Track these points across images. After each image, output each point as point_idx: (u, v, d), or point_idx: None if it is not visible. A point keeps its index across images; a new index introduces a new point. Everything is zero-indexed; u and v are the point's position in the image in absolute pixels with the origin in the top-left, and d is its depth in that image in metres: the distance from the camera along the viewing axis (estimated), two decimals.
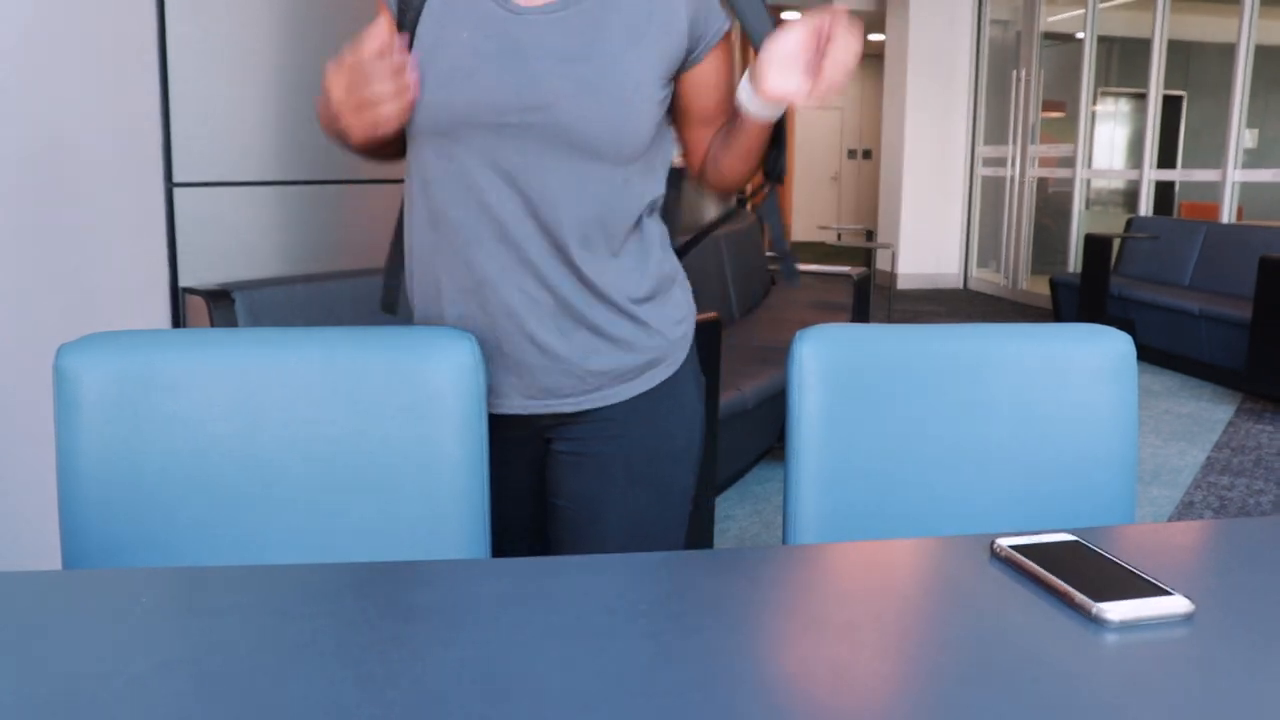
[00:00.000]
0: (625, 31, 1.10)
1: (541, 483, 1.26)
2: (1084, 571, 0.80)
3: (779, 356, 1.42)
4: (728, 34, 1.17)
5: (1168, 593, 0.76)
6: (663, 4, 1.12)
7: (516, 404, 1.17)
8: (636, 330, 1.17)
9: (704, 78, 1.18)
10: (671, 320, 1.21)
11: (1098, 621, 0.74)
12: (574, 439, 1.21)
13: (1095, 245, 6.08)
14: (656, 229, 1.22)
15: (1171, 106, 8.05)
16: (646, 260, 1.18)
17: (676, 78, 1.16)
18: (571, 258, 1.12)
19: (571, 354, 1.14)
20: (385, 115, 1.03)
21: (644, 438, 1.20)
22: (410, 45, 1.10)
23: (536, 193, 1.10)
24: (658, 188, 1.19)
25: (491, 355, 1.14)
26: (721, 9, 1.16)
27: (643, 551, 1.13)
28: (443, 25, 1.10)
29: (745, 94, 1.11)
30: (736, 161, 1.20)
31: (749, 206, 1.11)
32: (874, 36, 11.60)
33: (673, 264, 1.24)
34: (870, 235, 10.67)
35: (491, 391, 1.15)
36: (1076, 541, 0.87)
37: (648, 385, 1.19)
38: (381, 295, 1.29)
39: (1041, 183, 8.72)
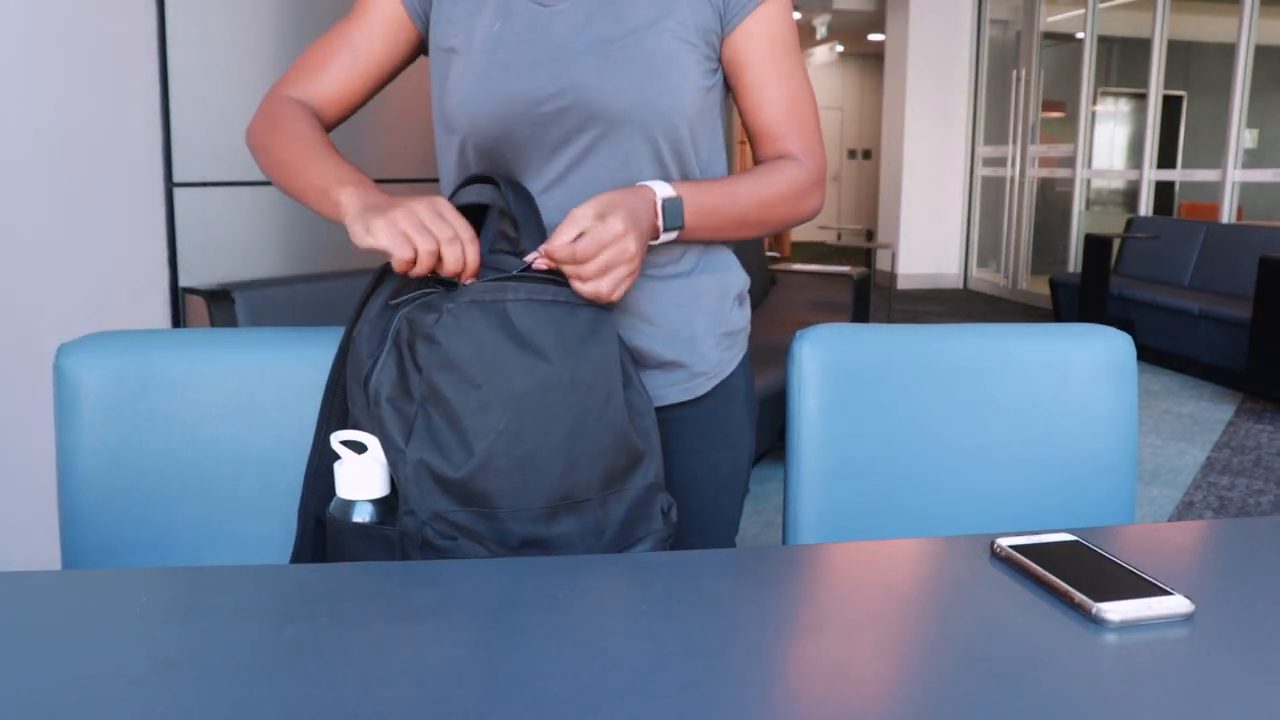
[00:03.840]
0: (652, 5, 1.06)
1: None
2: (1084, 571, 0.80)
3: (779, 356, 1.42)
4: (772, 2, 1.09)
5: (1168, 593, 0.76)
6: None
7: None
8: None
9: (736, 50, 1.10)
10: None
11: (1098, 621, 0.73)
12: None
13: (1095, 245, 6.08)
14: None
15: (1171, 106, 8.06)
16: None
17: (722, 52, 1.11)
18: None
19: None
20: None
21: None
22: (424, 35, 1.11)
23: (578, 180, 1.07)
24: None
25: None
26: None
27: None
28: (472, 19, 1.07)
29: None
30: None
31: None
32: (874, 36, 11.60)
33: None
34: (870, 235, 10.68)
35: None
36: (1076, 541, 0.87)
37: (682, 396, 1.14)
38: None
39: (1041, 183, 8.72)
